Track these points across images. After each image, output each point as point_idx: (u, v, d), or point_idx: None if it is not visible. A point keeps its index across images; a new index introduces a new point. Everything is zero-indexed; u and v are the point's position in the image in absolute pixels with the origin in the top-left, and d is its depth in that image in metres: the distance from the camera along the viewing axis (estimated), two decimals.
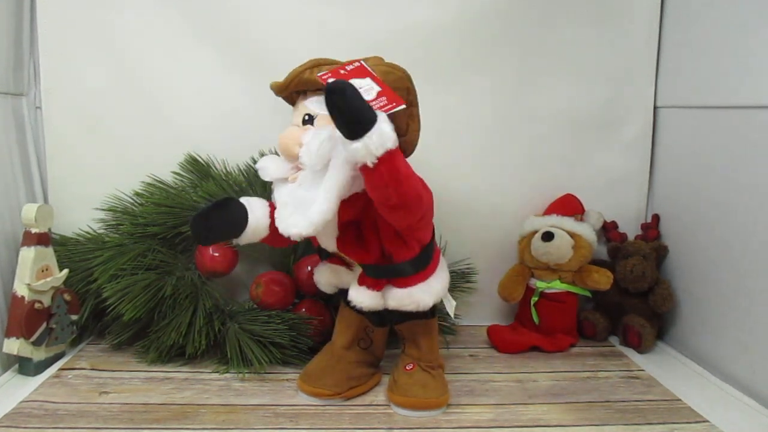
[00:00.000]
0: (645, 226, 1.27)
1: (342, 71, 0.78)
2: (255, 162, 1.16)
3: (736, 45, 1.02)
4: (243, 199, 0.88)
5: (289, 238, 0.80)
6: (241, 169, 1.18)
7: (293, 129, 0.82)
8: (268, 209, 0.88)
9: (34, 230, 0.98)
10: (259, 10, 1.16)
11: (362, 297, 0.88)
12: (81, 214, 1.16)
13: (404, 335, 0.97)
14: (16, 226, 1.07)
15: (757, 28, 0.97)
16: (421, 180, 0.81)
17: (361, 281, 0.89)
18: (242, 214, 0.86)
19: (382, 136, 0.70)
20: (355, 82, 0.74)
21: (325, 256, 0.94)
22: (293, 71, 0.83)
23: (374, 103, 0.74)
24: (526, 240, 1.20)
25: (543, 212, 1.23)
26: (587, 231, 1.18)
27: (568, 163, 1.26)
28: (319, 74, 0.79)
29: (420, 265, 0.88)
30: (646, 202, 1.29)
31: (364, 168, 0.72)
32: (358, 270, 0.90)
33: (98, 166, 1.17)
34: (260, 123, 1.18)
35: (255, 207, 0.88)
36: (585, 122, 1.25)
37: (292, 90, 0.85)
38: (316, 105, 0.83)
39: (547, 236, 1.14)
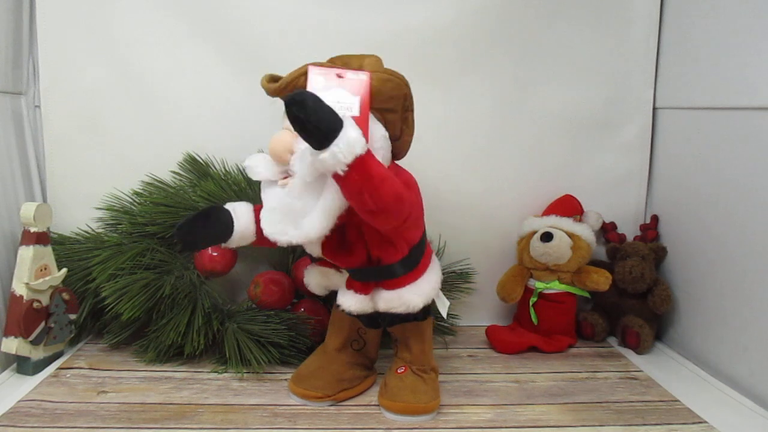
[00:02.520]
0: (644, 227, 1.27)
1: (336, 76, 0.78)
2: None
3: (735, 46, 1.02)
4: (228, 205, 0.88)
5: (275, 243, 0.80)
6: (240, 168, 1.18)
7: (285, 134, 0.81)
8: (253, 215, 0.88)
9: (32, 229, 0.98)
10: (259, 9, 1.16)
11: (350, 301, 0.87)
12: (80, 213, 1.16)
13: (397, 337, 0.96)
14: (14, 225, 1.07)
15: (756, 30, 0.97)
16: (403, 179, 0.81)
17: (349, 285, 0.88)
18: (227, 222, 0.86)
19: (349, 143, 0.69)
20: (333, 94, 0.75)
21: (315, 257, 0.93)
22: (289, 75, 0.81)
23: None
24: (525, 240, 1.20)
25: (542, 213, 1.23)
26: (586, 232, 1.18)
27: (567, 164, 1.26)
28: (311, 73, 0.78)
29: (409, 266, 0.86)
30: (645, 203, 1.29)
31: (336, 176, 0.71)
32: (345, 273, 0.89)
33: (97, 165, 1.17)
34: (260, 123, 1.18)
35: (240, 213, 0.88)
36: (584, 123, 1.25)
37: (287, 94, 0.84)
38: None
39: (546, 237, 1.14)
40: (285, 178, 0.81)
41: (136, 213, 1.12)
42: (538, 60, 1.22)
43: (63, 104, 1.16)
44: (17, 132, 1.13)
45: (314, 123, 0.68)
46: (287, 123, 0.82)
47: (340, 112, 0.71)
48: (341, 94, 0.77)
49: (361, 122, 0.75)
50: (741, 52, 1.01)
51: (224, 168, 1.18)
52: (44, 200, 1.18)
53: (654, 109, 1.26)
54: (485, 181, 1.24)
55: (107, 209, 1.16)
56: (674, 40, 1.21)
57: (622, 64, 1.24)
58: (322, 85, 0.78)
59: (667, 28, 1.22)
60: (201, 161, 1.17)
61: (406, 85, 0.83)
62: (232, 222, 0.86)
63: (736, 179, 1.01)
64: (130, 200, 1.16)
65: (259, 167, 0.84)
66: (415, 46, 1.16)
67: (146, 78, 1.17)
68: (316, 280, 0.94)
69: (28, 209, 0.97)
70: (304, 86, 0.79)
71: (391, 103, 0.82)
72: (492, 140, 1.23)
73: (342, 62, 0.83)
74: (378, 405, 0.91)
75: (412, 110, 0.86)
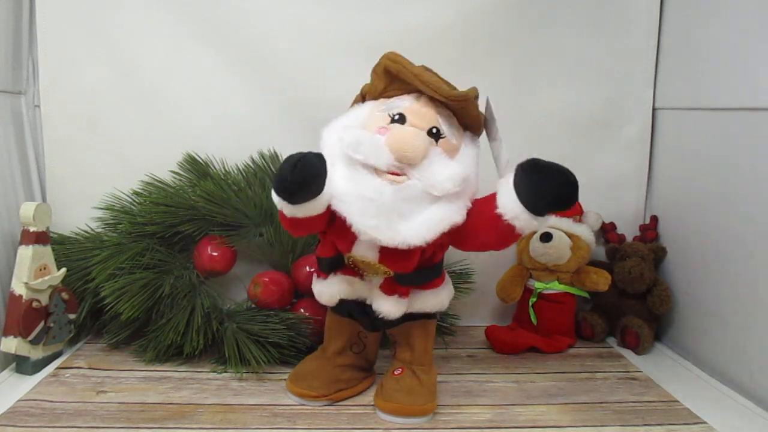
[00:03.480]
0: (643, 228, 1.27)
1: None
2: (254, 162, 1.17)
3: (735, 47, 1.02)
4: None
5: (353, 232, 0.76)
6: (240, 168, 1.18)
7: (422, 134, 0.78)
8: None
9: (32, 229, 0.98)
10: (259, 9, 1.16)
11: (394, 307, 0.85)
12: (79, 213, 1.16)
13: (397, 338, 0.95)
14: (14, 225, 1.07)
15: (756, 31, 0.97)
16: None
17: (392, 290, 0.86)
18: (324, 175, 0.74)
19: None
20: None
21: (332, 268, 0.88)
22: (471, 91, 0.82)
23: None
24: (524, 241, 1.20)
25: None
26: (586, 232, 1.18)
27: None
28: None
29: (442, 268, 0.91)
30: (644, 204, 1.29)
31: (509, 226, 0.75)
32: (373, 279, 0.87)
33: (97, 164, 1.17)
34: (259, 123, 1.19)
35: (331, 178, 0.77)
36: (584, 123, 1.25)
37: (446, 103, 0.81)
38: (447, 126, 0.81)
39: (546, 237, 1.14)
40: (395, 174, 0.77)
41: (136, 213, 1.12)
42: (537, 60, 1.22)
43: (63, 104, 1.16)
44: (17, 131, 1.13)
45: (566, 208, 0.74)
46: (418, 121, 0.80)
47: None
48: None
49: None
50: (740, 52, 1.01)
51: (224, 168, 1.18)
52: (44, 200, 1.18)
53: (653, 109, 1.26)
54: (484, 181, 1.24)
55: (107, 209, 1.16)
56: (674, 40, 1.21)
57: (621, 65, 1.24)
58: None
59: (667, 28, 1.22)
60: (201, 161, 1.17)
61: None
62: (325, 179, 0.75)
63: (736, 180, 1.01)
64: (130, 200, 1.16)
65: (373, 151, 0.77)
66: (414, 47, 1.15)
67: (146, 78, 1.17)
68: (336, 289, 0.88)
69: (27, 209, 0.97)
70: (469, 108, 0.82)
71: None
72: None
73: (439, 77, 0.84)
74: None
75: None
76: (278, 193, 0.73)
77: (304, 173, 0.71)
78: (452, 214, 0.78)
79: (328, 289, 0.89)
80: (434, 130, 0.80)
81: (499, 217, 0.75)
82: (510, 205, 0.74)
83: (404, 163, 0.77)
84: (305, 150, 0.71)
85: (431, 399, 0.89)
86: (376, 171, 0.77)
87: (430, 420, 0.88)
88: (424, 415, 0.87)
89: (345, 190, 0.77)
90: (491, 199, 0.78)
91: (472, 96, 0.81)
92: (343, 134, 0.79)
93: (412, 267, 0.83)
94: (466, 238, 0.81)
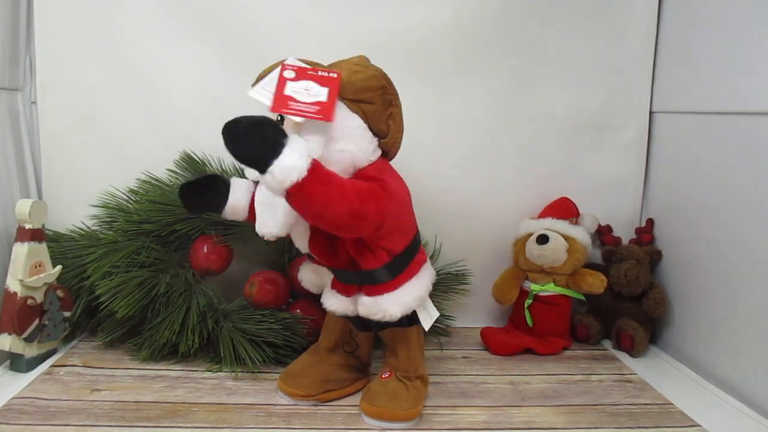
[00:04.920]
0: (639, 231, 1.27)
1: (308, 72, 0.79)
2: None
3: (732, 51, 1.02)
4: (232, 180, 0.93)
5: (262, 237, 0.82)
6: (237, 167, 1.18)
7: None
8: (249, 193, 0.91)
9: (27, 226, 0.98)
10: (258, 8, 1.16)
11: (332, 301, 0.90)
12: (75, 211, 1.15)
13: (386, 342, 0.95)
14: (9, 222, 1.06)
15: (753, 35, 0.98)
16: (379, 186, 0.79)
17: (333, 285, 0.90)
18: (225, 191, 0.91)
19: (282, 170, 0.70)
20: (301, 84, 0.76)
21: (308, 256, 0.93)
22: (265, 70, 0.83)
23: (303, 107, 0.75)
24: (520, 242, 1.20)
25: (538, 215, 1.23)
26: (582, 234, 1.19)
27: (564, 167, 1.26)
28: (284, 68, 0.79)
29: (392, 274, 0.85)
30: (640, 207, 1.29)
31: (286, 196, 0.73)
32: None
33: (93, 162, 1.17)
34: None
35: (237, 186, 0.92)
36: (581, 126, 1.25)
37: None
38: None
39: (542, 239, 1.14)
40: None
41: (132, 211, 1.12)
42: (535, 62, 1.22)
43: (59, 101, 1.16)
44: (13, 128, 1.13)
45: (245, 154, 0.71)
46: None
47: (309, 100, 0.75)
48: (311, 84, 0.78)
49: (327, 111, 0.76)
50: (737, 57, 1.01)
51: (220, 167, 1.17)
52: (40, 197, 1.18)
53: (650, 112, 1.26)
54: (481, 182, 1.24)
55: (103, 207, 1.15)
56: (671, 44, 1.21)
57: (619, 68, 1.24)
58: (292, 78, 0.78)
59: (665, 32, 1.23)
60: (197, 160, 1.17)
61: (384, 77, 0.83)
62: (228, 192, 0.91)
63: (732, 183, 1.02)
64: (126, 198, 1.15)
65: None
66: (413, 47, 1.16)
67: (143, 75, 1.17)
68: (308, 277, 0.96)
69: (23, 206, 0.97)
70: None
71: (366, 94, 0.81)
72: (489, 142, 1.23)
73: (333, 66, 0.84)
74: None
75: (397, 105, 0.85)
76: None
77: (187, 199, 0.92)
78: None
79: (302, 274, 0.98)
80: (278, 118, 0.82)
81: None
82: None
83: None
84: None
85: (416, 404, 0.88)
86: None
87: (414, 425, 0.87)
88: (407, 419, 0.86)
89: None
90: None
91: (261, 75, 0.83)
92: None
93: (341, 263, 0.85)
94: None
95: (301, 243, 0.87)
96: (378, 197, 0.78)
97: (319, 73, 0.79)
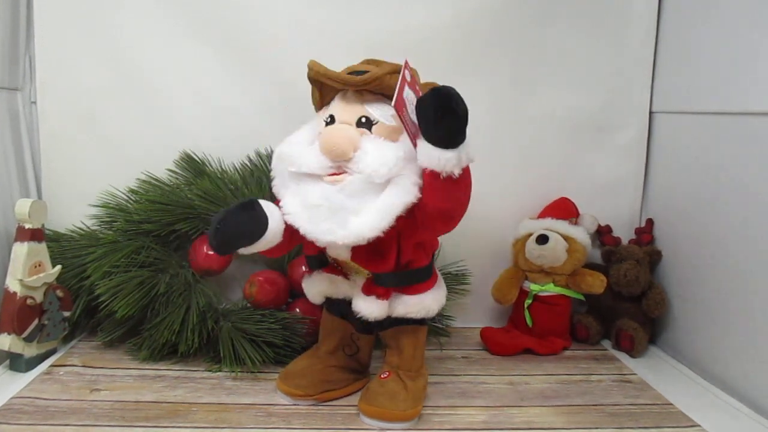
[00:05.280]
0: (639, 231, 1.27)
1: (417, 86, 0.78)
2: (251, 161, 1.17)
3: (732, 51, 1.02)
4: (263, 202, 0.80)
5: (314, 242, 0.78)
6: (237, 167, 1.18)
7: (348, 129, 0.78)
8: (281, 214, 0.80)
9: (27, 226, 0.97)
10: (257, 8, 1.16)
11: (371, 307, 0.85)
12: (75, 210, 1.15)
13: (387, 342, 0.94)
14: (9, 222, 1.06)
15: (753, 35, 0.98)
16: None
17: (370, 291, 0.85)
18: (263, 218, 0.78)
19: (470, 147, 0.71)
20: (410, 93, 0.74)
21: (319, 265, 0.90)
22: (379, 70, 0.78)
23: (408, 122, 0.74)
24: (520, 243, 1.20)
25: (538, 215, 1.23)
26: (581, 234, 1.19)
27: (564, 167, 1.26)
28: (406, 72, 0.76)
29: (430, 272, 0.89)
30: (640, 207, 1.29)
31: (445, 180, 0.71)
32: (357, 280, 0.87)
33: (93, 162, 1.17)
34: (256, 122, 1.18)
35: (272, 210, 0.79)
36: (580, 126, 1.25)
37: (367, 90, 0.80)
38: (378, 111, 0.80)
39: (542, 239, 1.14)
40: (335, 174, 0.77)
41: (132, 211, 1.12)
42: (535, 63, 1.22)
43: (59, 100, 1.16)
44: (13, 128, 1.13)
45: (463, 121, 0.69)
46: (345, 116, 0.79)
47: (412, 116, 0.73)
48: (413, 97, 0.77)
49: (415, 138, 0.76)
50: (737, 57, 1.01)
51: (220, 167, 1.18)
52: (39, 197, 1.18)
53: (650, 113, 1.26)
54: (481, 182, 1.22)
55: (102, 206, 1.15)
56: (671, 44, 1.21)
57: (619, 68, 1.24)
58: (408, 82, 0.77)
59: (664, 32, 1.23)
60: (197, 159, 1.17)
61: None
62: (267, 219, 0.78)
63: (732, 184, 1.02)
64: (126, 198, 1.15)
65: (307, 159, 0.78)
66: (413, 47, 1.15)
67: (143, 75, 1.17)
68: (319, 288, 0.91)
69: (23, 205, 0.97)
70: (391, 84, 0.76)
71: None
72: (488, 142, 1.23)
73: (375, 64, 0.83)
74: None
75: None
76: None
77: (226, 236, 0.76)
78: (402, 196, 0.76)
79: (312, 287, 0.91)
80: (363, 120, 0.79)
81: (425, 171, 0.73)
82: (423, 153, 0.72)
83: (339, 161, 0.77)
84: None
85: (415, 405, 0.87)
86: (320, 177, 0.78)
87: (414, 425, 0.86)
88: (406, 420, 0.86)
89: (294, 204, 0.79)
90: None
91: (381, 74, 0.78)
92: (278, 151, 0.82)
93: (389, 267, 0.82)
94: (419, 215, 0.78)
95: (341, 251, 0.83)
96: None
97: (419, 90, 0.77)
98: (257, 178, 1.15)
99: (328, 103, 0.85)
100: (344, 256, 0.84)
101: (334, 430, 0.85)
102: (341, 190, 0.76)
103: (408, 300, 0.86)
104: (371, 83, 0.78)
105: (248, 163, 1.17)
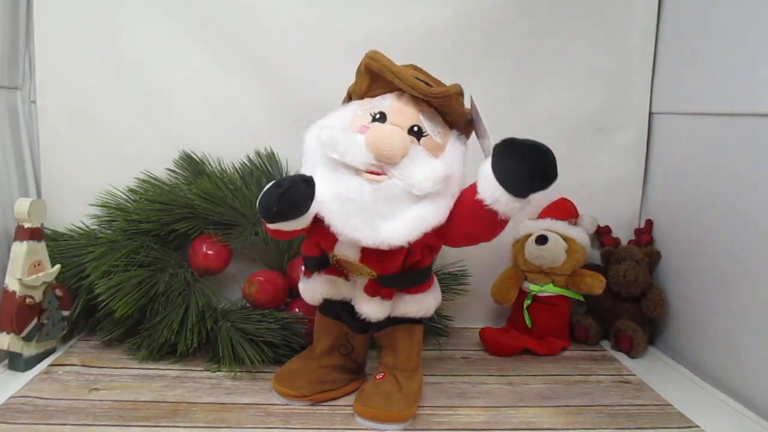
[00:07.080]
0: (638, 231, 1.27)
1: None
2: (250, 160, 1.17)
3: (732, 53, 1.02)
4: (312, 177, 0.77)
5: (336, 235, 0.76)
6: (236, 167, 1.18)
7: (402, 133, 0.77)
8: None
9: (26, 225, 0.97)
10: (257, 8, 1.16)
11: (375, 308, 0.85)
12: (74, 210, 1.15)
13: (382, 342, 0.94)
14: (8, 221, 1.06)
15: (753, 36, 0.98)
16: None
17: (374, 292, 0.85)
18: (313, 197, 0.75)
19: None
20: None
21: (318, 267, 0.90)
22: (451, 88, 0.79)
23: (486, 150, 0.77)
24: (519, 243, 1.20)
25: (537, 216, 1.23)
26: (581, 235, 1.19)
27: (563, 168, 1.23)
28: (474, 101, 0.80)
29: (431, 272, 0.90)
30: (639, 208, 1.29)
31: (493, 215, 0.73)
32: (357, 281, 0.87)
33: (92, 161, 1.17)
34: (255, 121, 1.18)
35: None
36: (580, 127, 1.25)
37: (428, 100, 0.80)
38: (430, 124, 0.80)
39: (542, 240, 1.14)
40: (375, 173, 0.76)
41: (131, 210, 1.12)
42: (535, 63, 1.22)
43: (59, 100, 1.16)
44: (12, 127, 1.13)
45: (546, 187, 0.70)
46: (399, 120, 0.79)
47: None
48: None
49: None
50: (737, 58, 1.01)
51: (220, 166, 1.17)
52: (39, 196, 1.18)
53: (650, 114, 1.26)
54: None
55: (102, 206, 1.15)
56: (671, 45, 1.21)
57: (619, 69, 1.24)
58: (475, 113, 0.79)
59: (664, 33, 1.23)
60: (196, 159, 1.17)
61: None
62: (311, 203, 0.75)
63: (731, 185, 1.02)
64: (125, 197, 1.15)
65: (353, 150, 0.76)
66: (413, 47, 1.16)
67: (143, 75, 1.17)
68: (319, 289, 0.90)
69: (22, 205, 0.97)
70: (452, 105, 0.80)
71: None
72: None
73: (425, 76, 0.84)
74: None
75: None
76: (262, 216, 0.75)
77: (290, 204, 0.73)
78: (434, 214, 0.76)
79: (311, 288, 0.91)
80: (415, 129, 0.79)
81: (480, 203, 0.73)
82: (489, 189, 0.72)
83: (383, 162, 0.76)
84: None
85: (409, 406, 0.87)
86: (357, 171, 0.77)
87: (409, 426, 0.86)
88: (401, 421, 0.85)
89: (324, 191, 0.76)
90: (472, 187, 0.76)
91: (452, 92, 0.79)
92: (320, 133, 0.79)
93: (396, 268, 0.82)
94: (451, 230, 0.78)
95: (350, 251, 0.82)
96: None
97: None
98: (257, 178, 1.15)
99: (373, 97, 0.84)
100: (353, 257, 0.82)
101: (333, 430, 0.85)
102: (378, 191, 0.76)
103: (409, 300, 0.87)
104: (440, 98, 0.79)
105: (248, 163, 1.17)
